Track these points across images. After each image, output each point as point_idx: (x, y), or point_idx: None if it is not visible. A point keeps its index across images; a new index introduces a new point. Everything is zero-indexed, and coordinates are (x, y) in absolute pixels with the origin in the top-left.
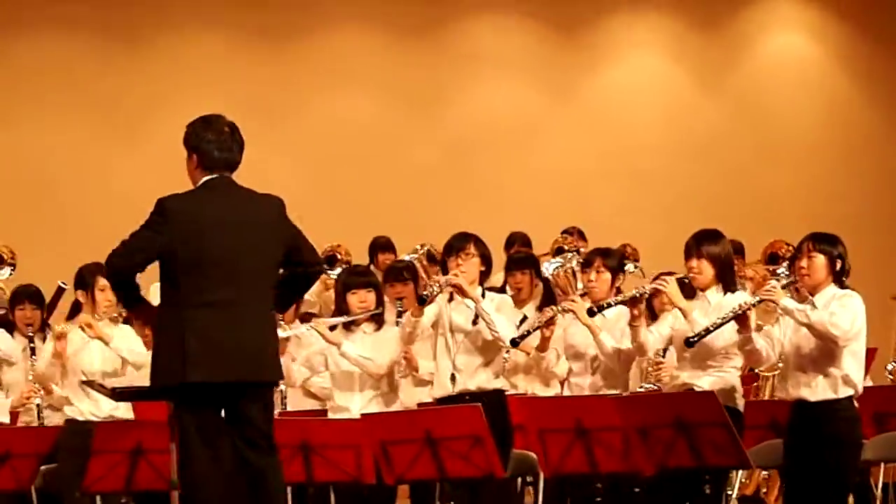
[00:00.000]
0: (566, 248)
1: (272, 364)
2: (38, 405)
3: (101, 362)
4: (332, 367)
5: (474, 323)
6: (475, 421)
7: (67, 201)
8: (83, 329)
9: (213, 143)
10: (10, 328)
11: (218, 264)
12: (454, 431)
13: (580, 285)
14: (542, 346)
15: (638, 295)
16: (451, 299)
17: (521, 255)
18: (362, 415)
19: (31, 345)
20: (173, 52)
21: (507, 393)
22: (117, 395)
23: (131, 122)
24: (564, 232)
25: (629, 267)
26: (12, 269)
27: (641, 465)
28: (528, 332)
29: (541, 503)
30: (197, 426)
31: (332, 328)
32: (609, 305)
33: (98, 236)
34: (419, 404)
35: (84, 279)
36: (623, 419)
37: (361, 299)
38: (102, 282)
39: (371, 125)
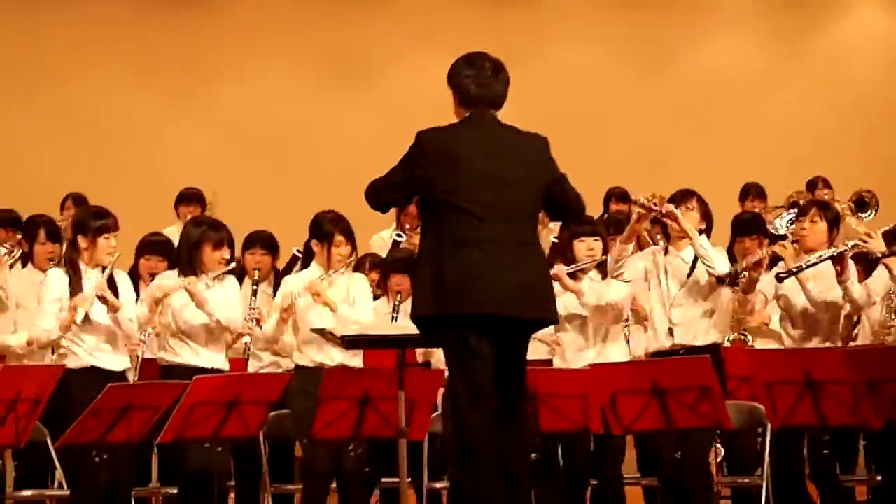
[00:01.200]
0: (801, 201)
1: (542, 303)
2: (246, 344)
3: (332, 320)
4: None
5: (689, 275)
6: (703, 372)
7: (296, 151)
8: (313, 297)
9: (470, 78)
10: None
11: (477, 198)
12: (682, 382)
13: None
14: (748, 287)
15: (836, 254)
16: (666, 252)
17: (746, 216)
18: (591, 365)
19: (255, 287)
20: (399, 8)
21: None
22: (347, 342)
23: (357, 74)
24: (810, 182)
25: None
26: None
27: (870, 418)
28: (738, 272)
29: (768, 454)
30: (459, 363)
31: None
32: (809, 265)
33: (328, 184)
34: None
35: (321, 229)
36: (851, 372)
37: (589, 247)
38: (339, 237)
39: (601, 82)
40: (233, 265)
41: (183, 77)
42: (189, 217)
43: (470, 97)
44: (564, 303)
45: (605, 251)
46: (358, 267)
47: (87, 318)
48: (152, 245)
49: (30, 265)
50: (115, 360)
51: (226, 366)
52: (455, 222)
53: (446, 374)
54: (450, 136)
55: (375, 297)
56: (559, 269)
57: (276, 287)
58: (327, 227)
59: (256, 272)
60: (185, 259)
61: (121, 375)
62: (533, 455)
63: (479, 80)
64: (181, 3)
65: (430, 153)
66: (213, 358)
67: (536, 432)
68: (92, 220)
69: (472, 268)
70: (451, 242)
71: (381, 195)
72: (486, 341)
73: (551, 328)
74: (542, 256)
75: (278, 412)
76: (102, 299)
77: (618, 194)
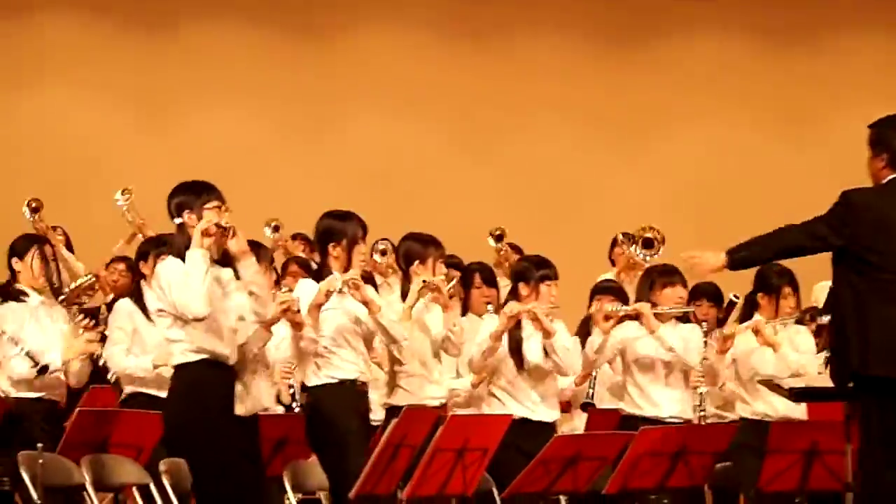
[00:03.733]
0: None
1: None
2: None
3: (773, 366)
4: None
5: None
6: None
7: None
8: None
9: None
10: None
11: None
12: None
13: None
14: None
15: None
16: None
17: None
18: None
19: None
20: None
21: None
22: (795, 394)
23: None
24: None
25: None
26: None
27: None
28: None
29: None
30: (879, 424)
31: None
32: None
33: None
34: None
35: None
36: None
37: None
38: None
39: None
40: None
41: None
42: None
43: None
44: None
45: None
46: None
47: None
48: (606, 290)
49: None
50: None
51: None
52: (878, 282)
53: None
54: (878, 197)
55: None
56: None
57: None
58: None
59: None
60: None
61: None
62: None
63: None
64: None
65: (860, 213)
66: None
67: None
68: (534, 269)
69: None
70: (875, 302)
71: (792, 240)
72: None
73: None
74: None
75: (723, 464)
76: None
77: None
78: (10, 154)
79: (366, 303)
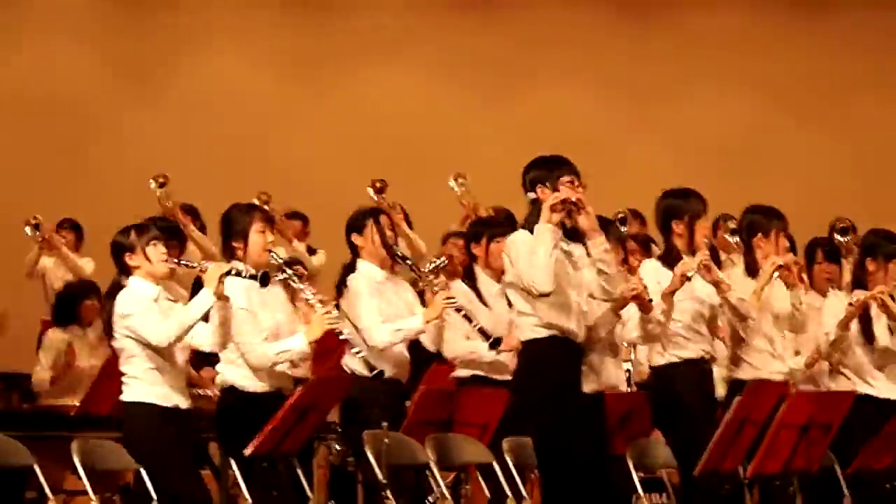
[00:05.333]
0: None
1: None
2: None
3: None
4: None
5: None
6: None
7: None
8: None
9: None
10: None
11: None
12: None
13: None
14: None
15: None
16: None
17: None
18: None
19: None
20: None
21: None
22: None
23: None
24: None
25: None
26: None
27: None
28: None
29: None
30: None
31: None
32: None
33: None
34: None
35: None
36: None
37: None
38: None
39: None
40: None
41: None
42: None
43: None
44: None
45: None
46: None
47: None
48: None
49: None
50: None
51: None
52: None
53: None
54: None
55: None
56: None
57: None
58: None
59: None
60: None
61: None
62: None
63: None
64: None
65: None
66: None
67: None
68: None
69: None
70: None
71: None
72: None
73: None
74: None
75: None
76: None
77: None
78: (354, 134)
79: (716, 283)
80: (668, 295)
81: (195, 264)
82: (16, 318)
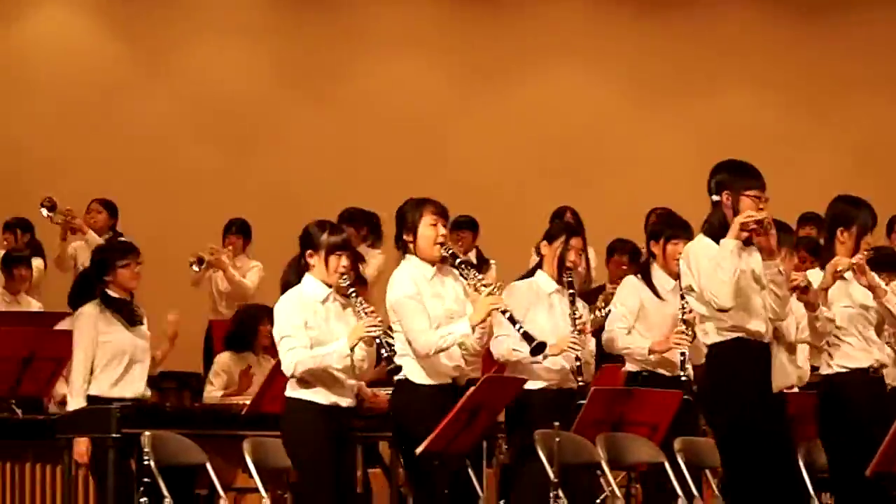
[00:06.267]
0: None
1: None
2: None
3: None
4: None
5: None
6: None
7: None
8: None
9: None
10: None
11: None
12: None
13: None
14: None
15: None
16: None
17: None
18: None
19: None
20: None
21: None
22: None
23: None
24: None
25: None
26: None
27: None
28: None
29: None
30: None
31: None
32: None
33: None
34: None
35: None
36: None
37: None
38: None
39: None
40: None
41: None
42: None
43: None
44: None
45: None
46: None
47: None
48: None
49: None
50: None
51: None
52: None
53: None
54: None
55: None
56: None
57: None
58: None
59: None
60: None
61: None
62: None
63: None
64: None
65: None
66: None
67: None
68: None
69: None
70: None
71: None
72: None
73: None
74: None
75: None
76: None
77: None
78: (511, 133)
79: (872, 288)
80: (822, 291)
81: (361, 304)
82: (183, 319)
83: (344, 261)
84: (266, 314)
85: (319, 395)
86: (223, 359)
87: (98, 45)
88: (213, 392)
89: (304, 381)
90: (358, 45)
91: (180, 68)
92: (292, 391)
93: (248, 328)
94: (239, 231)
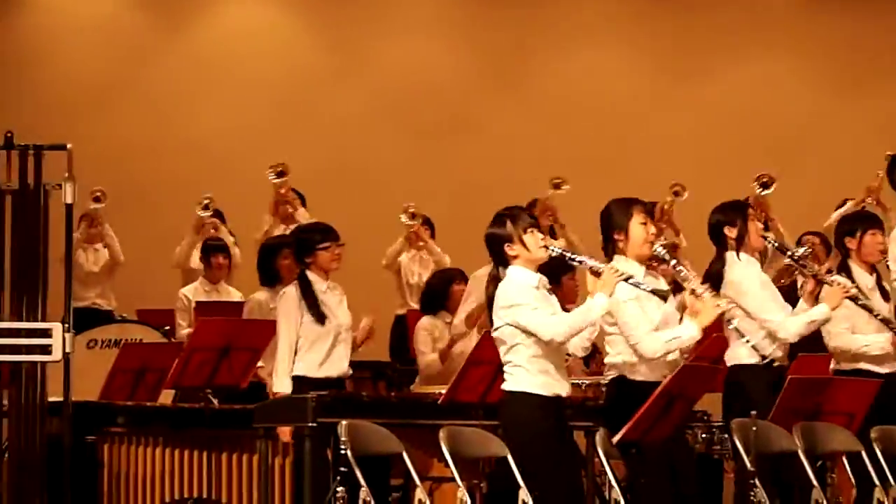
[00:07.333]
0: None
1: None
2: None
3: None
4: None
5: None
6: None
7: None
8: None
9: None
10: None
11: None
12: None
13: None
14: None
15: None
16: None
17: None
18: None
19: None
20: None
21: None
22: None
23: None
24: None
25: None
26: None
27: None
28: None
29: None
30: None
31: None
32: None
33: None
34: None
35: None
36: None
37: None
38: None
39: None
40: None
41: None
42: None
43: None
44: None
45: None
46: None
47: None
48: None
49: None
50: None
51: None
52: None
53: None
54: None
55: None
56: None
57: None
58: None
59: None
60: None
61: None
62: None
63: None
64: None
65: None
66: None
67: None
68: None
69: None
70: None
71: None
72: None
73: None
74: None
75: None
76: None
77: None
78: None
79: None
80: None
81: (583, 260)
82: (374, 311)
83: (538, 234)
84: (457, 274)
85: (542, 387)
86: (423, 324)
87: (298, 39)
88: (427, 357)
89: (527, 372)
90: (553, 36)
91: (378, 62)
92: (514, 385)
93: (440, 289)
94: (424, 223)
